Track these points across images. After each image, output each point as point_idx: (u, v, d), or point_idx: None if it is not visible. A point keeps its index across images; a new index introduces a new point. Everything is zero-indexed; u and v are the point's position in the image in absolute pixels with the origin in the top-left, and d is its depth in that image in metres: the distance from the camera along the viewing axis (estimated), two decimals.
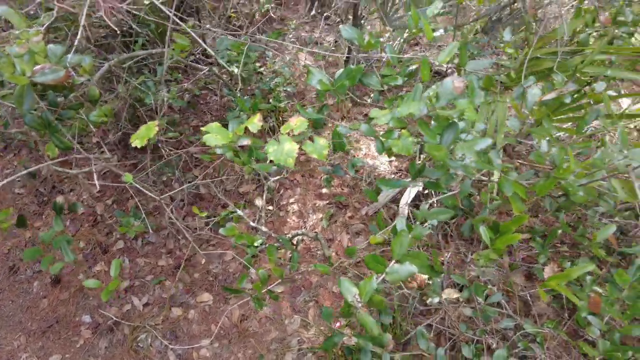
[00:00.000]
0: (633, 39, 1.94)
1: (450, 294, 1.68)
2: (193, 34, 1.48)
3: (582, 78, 1.79)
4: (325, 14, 3.91)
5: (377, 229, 2.37)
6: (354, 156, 2.83)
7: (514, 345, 1.78)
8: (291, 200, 2.63)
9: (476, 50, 1.63)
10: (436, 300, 1.66)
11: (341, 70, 1.35)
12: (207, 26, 3.42)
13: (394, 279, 1.03)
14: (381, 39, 3.40)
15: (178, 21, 1.35)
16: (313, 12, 4.19)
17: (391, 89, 2.85)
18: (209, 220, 2.50)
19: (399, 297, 2.00)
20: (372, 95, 3.21)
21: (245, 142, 1.26)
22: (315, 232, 2.40)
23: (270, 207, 2.60)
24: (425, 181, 1.25)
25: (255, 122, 1.05)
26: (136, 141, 1.03)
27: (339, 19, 4.02)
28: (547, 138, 1.19)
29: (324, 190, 2.67)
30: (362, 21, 3.16)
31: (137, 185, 1.42)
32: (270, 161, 1.15)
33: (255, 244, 2.18)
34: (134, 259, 2.42)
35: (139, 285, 2.34)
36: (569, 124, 2.13)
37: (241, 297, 2.18)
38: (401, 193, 2.42)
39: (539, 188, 1.16)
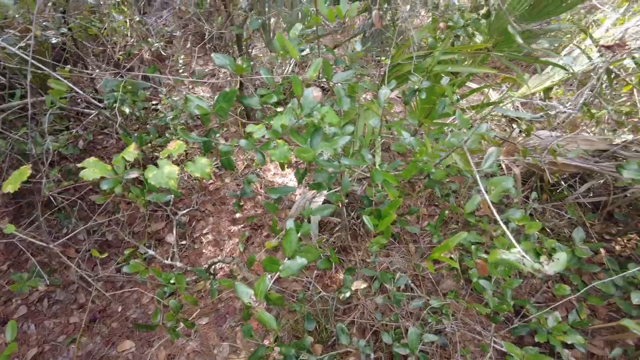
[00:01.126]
0: (476, 39, 2.29)
1: (359, 285, 1.80)
2: (64, 79, 1.48)
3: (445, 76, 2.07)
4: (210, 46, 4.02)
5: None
6: (263, 177, 2.92)
7: (427, 322, 1.94)
8: (205, 230, 2.62)
9: (346, 64, 1.81)
10: (348, 294, 1.77)
11: (218, 94, 1.44)
12: (97, 71, 3.34)
13: (287, 274, 1.11)
14: (276, 63, 3.58)
15: (41, 66, 1.35)
16: (203, 45, 4.27)
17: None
18: (121, 266, 2.40)
19: (319, 301, 2.08)
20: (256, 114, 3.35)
21: (134, 174, 1.28)
22: (232, 257, 2.42)
23: (184, 242, 2.57)
24: (309, 184, 1.36)
25: (131, 152, 1.09)
26: (9, 187, 1.01)
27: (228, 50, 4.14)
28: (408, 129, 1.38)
29: (238, 215, 2.71)
30: (249, 49, 3.30)
31: (30, 239, 1.36)
32: (159, 190, 1.19)
33: (172, 281, 2.16)
34: (41, 323, 2.24)
35: (50, 349, 2.17)
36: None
37: (164, 336, 2.12)
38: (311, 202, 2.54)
39: (404, 173, 1.33)
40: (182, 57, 3.77)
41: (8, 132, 2.09)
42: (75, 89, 1.52)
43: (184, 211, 2.54)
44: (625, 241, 2.62)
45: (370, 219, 1.36)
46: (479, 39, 2.33)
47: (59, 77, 1.43)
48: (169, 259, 2.36)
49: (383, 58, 2.24)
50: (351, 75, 1.65)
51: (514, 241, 0.88)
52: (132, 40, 3.79)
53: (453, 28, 1.73)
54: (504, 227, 0.91)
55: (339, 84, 1.58)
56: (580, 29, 2.38)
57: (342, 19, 1.47)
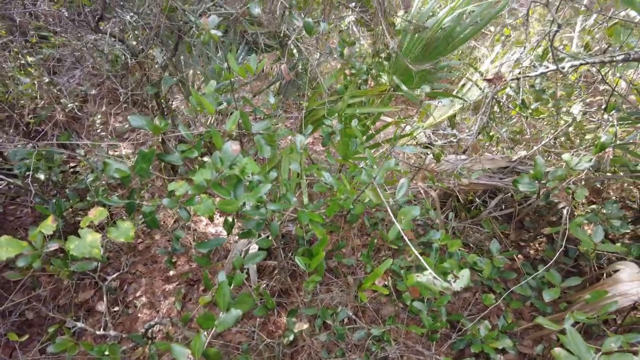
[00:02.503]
0: (381, 79, 2.51)
1: (301, 326, 1.82)
2: None
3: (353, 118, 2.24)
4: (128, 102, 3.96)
5: (232, 293, 2.42)
6: (195, 230, 2.87)
7: (372, 352, 2.00)
8: (138, 293, 2.50)
9: (263, 114, 1.91)
10: (292, 337, 1.78)
11: (136, 156, 1.45)
12: (4, 137, 3.14)
13: (224, 327, 1.12)
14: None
15: None
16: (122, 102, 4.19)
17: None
18: (45, 346, 2.20)
19: (265, 350, 2.06)
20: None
21: (54, 246, 1.24)
22: (170, 317, 2.32)
23: (117, 308, 2.43)
24: (239, 232, 1.39)
25: (49, 224, 1.06)
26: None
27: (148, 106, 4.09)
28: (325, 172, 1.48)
29: (171, 272, 2.62)
30: (169, 103, 3.31)
31: None
32: (83, 259, 1.16)
33: (106, 353, 2.03)
34: None
35: None
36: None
37: None
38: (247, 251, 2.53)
39: (327, 211, 1.41)
40: (99, 116, 3.67)
41: None
42: None
43: (114, 275, 2.41)
44: (537, 245, 2.92)
45: (302, 259, 1.42)
46: (384, 79, 2.56)
47: None
48: (102, 329, 2.21)
49: (302, 102, 2.38)
50: (268, 124, 1.74)
51: (424, 263, 0.98)
52: (43, 102, 3.64)
53: (357, 74, 1.90)
54: (415, 251, 1.02)
55: (259, 134, 1.65)
56: (468, 64, 2.72)
57: (253, 74, 1.57)
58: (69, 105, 3.66)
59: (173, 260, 2.58)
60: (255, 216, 1.22)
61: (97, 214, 1.14)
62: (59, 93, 3.72)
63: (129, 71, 2.55)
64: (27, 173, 2.30)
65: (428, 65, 2.22)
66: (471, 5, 2.33)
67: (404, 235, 1.11)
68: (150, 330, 2.29)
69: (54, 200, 2.04)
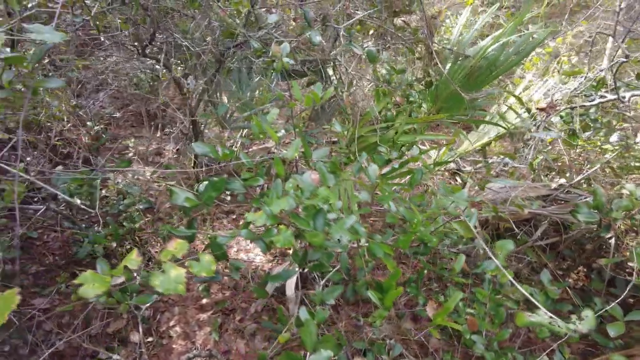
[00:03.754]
0: (421, 108, 2.50)
1: None
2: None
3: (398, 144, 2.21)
4: (160, 126, 3.96)
5: (272, 324, 2.36)
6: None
7: None
8: (171, 323, 2.41)
9: (313, 140, 1.88)
10: None
11: (205, 183, 1.41)
12: (28, 159, 3.10)
13: None
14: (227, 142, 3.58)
15: None
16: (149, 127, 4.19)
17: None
18: None
19: None
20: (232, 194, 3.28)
21: (120, 279, 1.18)
22: (208, 349, 2.23)
23: (150, 338, 2.33)
24: (309, 265, 1.34)
25: (134, 259, 1.01)
26: (83, 290, 0.88)
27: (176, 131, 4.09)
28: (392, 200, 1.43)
29: (205, 301, 2.54)
30: (203, 128, 3.29)
31: None
32: (156, 292, 1.10)
33: None
34: None
35: None
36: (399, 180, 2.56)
37: None
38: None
39: (402, 243, 1.36)
40: (132, 140, 3.65)
41: None
42: (45, 186, 1.40)
43: (147, 304, 2.33)
44: (576, 274, 2.85)
45: (374, 293, 1.36)
46: (424, 106, 2.55)
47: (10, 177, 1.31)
48: None
49: (328, 128, 2.37)
50: (327, 152, 1.71)
51: (536, 302, 0.93)
52: (69, 125, 3.62)
53: (412, 102, 1.89)
54: (522, 290, 0.96)
55: (320, 162, 1.62)
56: (506, 92, 2.72)
57: (319, 102, 1.54)
58: (95, 128, 3.65)
59: (208, 289, 2.51)
60: (337, 248, 1.17)
61: (178, 247, 1.09)
62: (84, 116, 3.72)
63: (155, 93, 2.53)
64: (59, 197, 2.26)
65: (474, 95, 2.21)
66: (514, 36, 2.34)
67: (503, 270, 1.06)
68: None
69: (101, 225, 1.99)
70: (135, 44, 2.21)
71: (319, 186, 1.26)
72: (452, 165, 3.29)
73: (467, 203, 1.30)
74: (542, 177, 2.91)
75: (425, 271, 2.03)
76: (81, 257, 2.24)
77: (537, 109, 2.06)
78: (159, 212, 3.10)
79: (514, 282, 1.15)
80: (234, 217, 3.17)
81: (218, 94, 2.87)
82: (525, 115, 2.54)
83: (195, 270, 1.08)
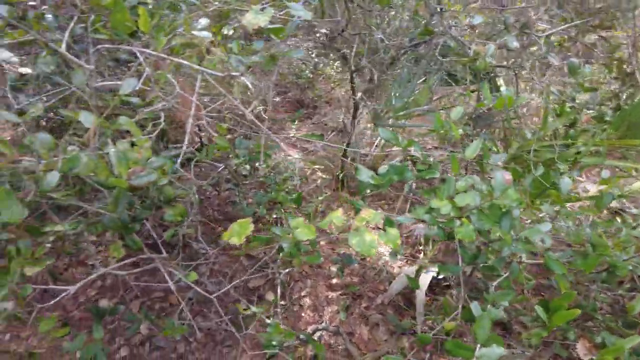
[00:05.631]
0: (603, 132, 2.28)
1: None
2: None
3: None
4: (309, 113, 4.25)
5: (396, 319, 2.37)
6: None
7: None
8: (302, 293, 2.60)
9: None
10: None
11: (385, 166, 1.49)
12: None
13: None
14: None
15: None
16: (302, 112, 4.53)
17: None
18: (221, 320, 2.40)
19: None
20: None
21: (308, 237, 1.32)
22: (335, 326, 2.35)
23: (283, 302, 2.54)
24: (481, 266, 1.34)
25: (339, 216, 1.13)
26: (233, 238, 1.07)
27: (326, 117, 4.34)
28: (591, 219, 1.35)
29: (334, 281, 2.67)
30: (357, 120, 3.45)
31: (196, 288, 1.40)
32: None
33: (274, 343, 2.11)
34: None
35: None
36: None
37: None
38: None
39: (586, 265, 1.28)
40: (295, 123, 3.98)
41: None
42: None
43: (287, 270, 2.54)
44: None
45: (542, 311, 1.30)
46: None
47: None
48: (270, 318, 2.33)
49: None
50: (504, 158, 1.67)
51: None
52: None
53: (604, 122, 1.74)
54: None
55: (498, 166, 1.59)
56: None
57: (511, 105, 1.52)
58: (258, 108, 4.06)
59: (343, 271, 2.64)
60: (521, 252, 1.16)
61: (371, 216, 1.18)
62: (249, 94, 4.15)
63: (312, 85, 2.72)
64: (235, 164, 2.57)
65: None
66: None
67: None
68: (316, 334, 2.35)
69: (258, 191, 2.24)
70: (322, 32, 2.42)
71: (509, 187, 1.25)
72: (614, 203, 2.94)
73: None
74: None
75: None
76: (247, 214, 2.53)
77: None
78: (303, 192, 3.33)
79: None
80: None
81: (379, 91, 2.98)
82: None
83: (383, 240, 1.16)
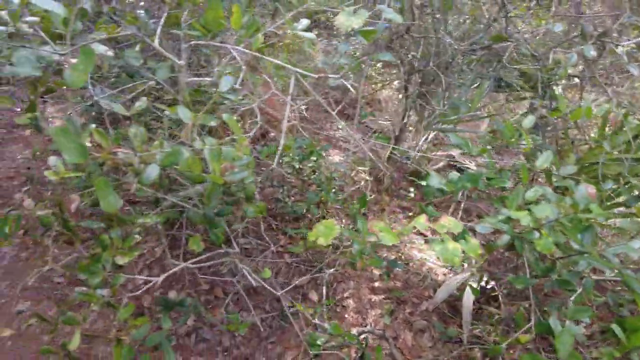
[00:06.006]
0: None
1: None
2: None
3: None
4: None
5: (442, 326, 2.34)
6: (401, 249, 2.89)
7: None
8: (345, 294, 2.60)
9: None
10: None
11: (454, 173, 1.48)
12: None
13: None
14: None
15: None
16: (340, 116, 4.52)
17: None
18: (266, 316, 2.42)
19: None
20: (409, 191, 3.35)
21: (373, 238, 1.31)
22: (380, 329, 2.34)
23: (325, 302, 2.55)
24: (556, 279, 1.31)
25: (423, 222, 1.12)
26: (320, 239, 1.08)
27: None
28: None
29: (377, 284, 2.66)
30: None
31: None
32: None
33: (318, 342, 2.12)
34: (188, 358, 2.27)
35: None
36: None
37: None
38: (460, 289, 2.44)
39: None
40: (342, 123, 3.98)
41: None
42: None
43: (332, 270, 2.55)
44: None
45: (619, 329, 1.26)
46: None
47: None
48: (315, 318, 2.34)
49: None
50: (574, 170, 1.63)
51: None
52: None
53: None
54: None
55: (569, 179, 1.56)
56: None
57: (590, 117, 1.48)
58: (301, 107, 4.04)
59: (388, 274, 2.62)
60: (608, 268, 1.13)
61: (451, 225, 1.17)
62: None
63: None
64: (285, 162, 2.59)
65: None
66: None
67: None
68: (362, 336, 2.34)
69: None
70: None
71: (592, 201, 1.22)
72: None
73: None
74: None
75: None
76: (299, 214, 2.56)
77: None
78: (345, 193, 3.33)
79: None
80: (410, 214, 3.25)
81: (428, 96, 2.95)
82: None
83: (465, 248, 1.14)
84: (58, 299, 2.58)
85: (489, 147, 1.61)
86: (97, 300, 1.04)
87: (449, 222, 1.19)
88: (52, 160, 1.00)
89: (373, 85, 4.45)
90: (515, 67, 2.02)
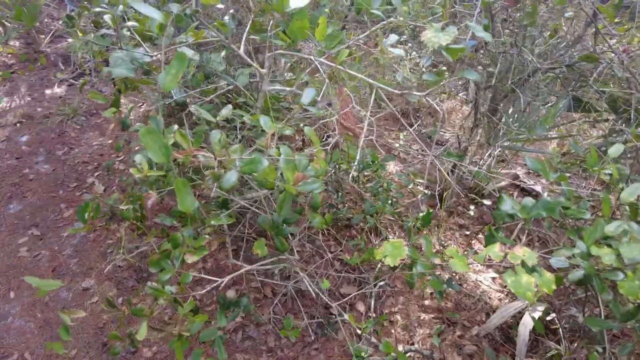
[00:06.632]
0: None
1: None
2: None
3: None
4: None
5: (494, 354, 2.23)
6: (455, 272, 2.78)
7: None
8: (394, 309, 2.54)
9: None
10: None
11: (532, 200, 1.40)
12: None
13: None
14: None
15: None
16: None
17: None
18: (312, 322, 2.43)
19: None
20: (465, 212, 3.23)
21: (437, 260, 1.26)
22: (429, 350, 2.27)
23: (373, 315, 2.51)
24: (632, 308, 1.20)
25: (497, 251, 1.06)
26: (387, 259, 1.06)
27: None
28: None
29: (427, 302, 2.59)
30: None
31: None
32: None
33: (363, 354, 2.08)
34: (233, 354, 2.32)
35: None
36: None
37: None
38: (516, 317, 2.32)
39: None
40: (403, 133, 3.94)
41: None
42: None
43: (381, 282, 2.51)
44: None
45: None
46: None
47: None
48: (361, 331, 2.31)
49: None
50: None
51: None
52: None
53: None
54: None
55: None
56: None
57: None
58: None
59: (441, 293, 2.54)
60: None
61: (526, 255, 1.11)
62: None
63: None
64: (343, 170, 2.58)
65: None
66: None
67: None
68: (409, 354, 2.29)
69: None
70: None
71: None
72: None
73: None
74: None
75: None
76: (355, 223, 2.54)
77: None
78: (401, 205, 3.27)
79: None
80: (467, 233, 3.12)
81: (500, 112, 2.83)
82: None
83: (539, 282, 1.07)
84: (117, 282, 2.74)
85: (568, 174, 1.51)
86: (167, 296, 1.08)
87: (524, 253, 1.12)
88: (138, 158, 1.05)
89: (439, 96, 4.34)
90: (603, 90, 1.87)
